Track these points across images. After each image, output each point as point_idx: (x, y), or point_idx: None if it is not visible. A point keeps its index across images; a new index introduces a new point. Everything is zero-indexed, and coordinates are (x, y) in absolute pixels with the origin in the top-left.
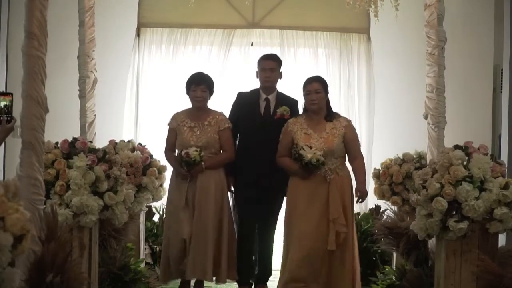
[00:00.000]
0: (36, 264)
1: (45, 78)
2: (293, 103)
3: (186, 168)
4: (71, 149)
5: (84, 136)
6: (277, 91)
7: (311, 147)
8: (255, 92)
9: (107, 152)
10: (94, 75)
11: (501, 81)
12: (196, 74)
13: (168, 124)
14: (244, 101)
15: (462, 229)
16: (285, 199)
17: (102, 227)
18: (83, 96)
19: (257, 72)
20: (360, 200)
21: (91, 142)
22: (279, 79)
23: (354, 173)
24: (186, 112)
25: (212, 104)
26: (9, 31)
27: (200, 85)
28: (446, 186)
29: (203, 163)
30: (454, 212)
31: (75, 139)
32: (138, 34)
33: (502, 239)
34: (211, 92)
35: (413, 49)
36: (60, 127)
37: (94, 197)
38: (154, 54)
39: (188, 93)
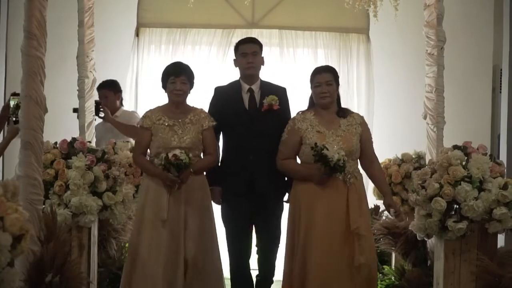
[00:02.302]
0: (35, 264)
1: (44, 78)
2: (280, 91)
3: (176, 172)
4: (70, 149)
5: (83, 136)
6: (261, 79)
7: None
8: (235, 84)
9: (106, 152)
10: (93, 75)
11: (500, 81)
12: (174, 64)
13: (139, 123)
14: (224, 96)
15: (461, 229)
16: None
17: (101, 227)
18: (82, 96)
19: (234, 60)
20: (395, 215)
21: (90, 142)
22: (261, 66)
23: (374, 180)
24: (161, 109)
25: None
26: (9, 31)
27: (179, 76)
28: (445, 186)
29: (191, 166)
30: (453, 212)
31: (74, 139)
32: (137, 34)
33: (501, 239)
34: (191, 84)
35: (412, 49)
36: (59, 127)
37: (93, 197)
38: (153, 54)
39: (164, 86)
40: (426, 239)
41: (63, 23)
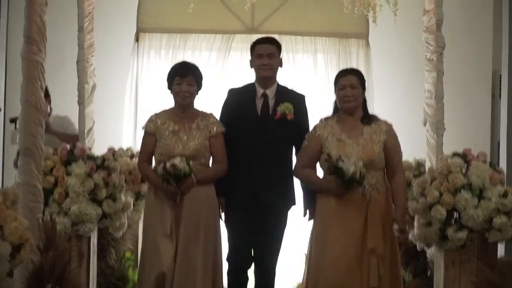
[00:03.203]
0: (34, 273)
1: (44, 83)
2: (298, 98)
3: (175, 183)
4: (70, 156)
5: (83, 143)
6: (278, 83)
7: (349, 158)
8: (249, 88)
9: (106, 159)
10: (93, 80)
11: (500, 87)
12: (181, 64)
13: (144, 128)
14: (237, 99)
15: (461, 238)
16: (291, 217)
17: (100, 236)
18: (82, 102)
19: (251, 61)
20: (398, 232)
21: (90, 149)
22: (279, 68)
23: (393, 191)
24: (167, 113)
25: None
26: (8, 36)
27: (186, 77)
28: (445, 194)
29: (193, 175)
30: (453, 221)
31: (74, 146)
32: (137, 39)
33: (501, 249)
34: (199, 86)
35: (411, 55)
36: None
37: (93, 205)
38: (153, 59)
39: (170, 87)
40: (426, 249)
41: (63, 28)
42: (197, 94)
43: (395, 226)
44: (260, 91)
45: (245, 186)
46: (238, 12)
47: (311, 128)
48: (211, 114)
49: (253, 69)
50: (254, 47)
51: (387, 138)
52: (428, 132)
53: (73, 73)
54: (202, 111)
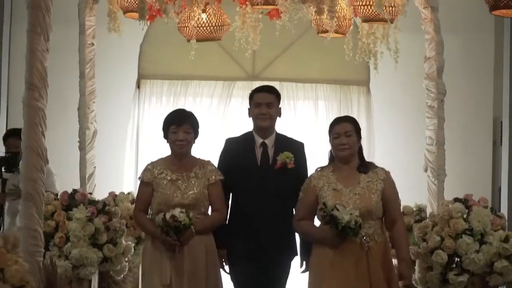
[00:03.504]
0: None
1: (46, 129)
2: (297, 146)
3: (175, 235)
4: (71, 200)
5: (84, 187)
6: (276, 132)
7: (344, 207)
8: (248, 137)
9: (106, 204)
10: (94, 126)
11: (501, 133)
12: (177, 112)
13: (140, 178)
14: (235, 149)
15: (462, 282)
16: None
17: (101, 279)
18: (83, 147)
19: (249, 110)
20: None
21: (90, 193)
22: (278, 118)
23: (393, 242)
24: (163, 161)
25: (211, 158)
26: (10, 81)
27: (182, 125)
28: (446, 239)
29: (193, 227)
30: (454, 265)
31: (75, 190)
32: (138, 86)
33: None
34: (196, 134)
35: (412, 101)
36: (60, 179)
37: (94, 249)
38: (155, 106)
39: (166, 136)
40: None
41: (64, 74)
42: (194, 142)
43: (401, 282)
44: (259, 140)
45: (248, 238)
46: (239, 59)
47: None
48: (209, 162)
49: (239, 112)
50: (252, 95)
51: (385, 186)
52: (429, 178)
53: (74, 119)
54: (199, 159)
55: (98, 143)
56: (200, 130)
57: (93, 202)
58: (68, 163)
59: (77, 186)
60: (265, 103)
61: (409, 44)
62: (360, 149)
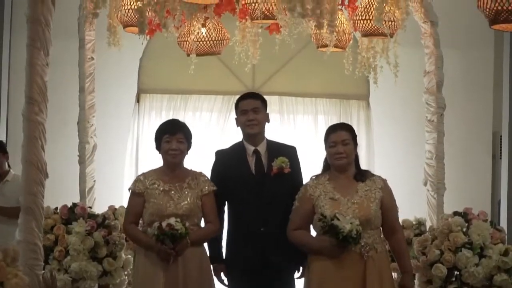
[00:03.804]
0: None
1: (45, 143)
2: (290, 151)
3: (171, 244)
4: (71, 214)
5: (83, 201)
6: (267, 139)
7: (344, 216)
8: (239, 147)
9: (106, 217)
10: (94, 140)
11: (500, 147)
12: (169, 121)
13: (131, 188)
14: (227, 161)
15: None
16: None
17: None
18: (83, 162)
19: (236, 119)
20: None
21: (90, 207)
22: (267, 124)
23: (395, 253)
24: (155, 172)
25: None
26: (10, 95)
27: (175, 134)
28: (445, 253)
29: (188, 237)
30: (454, 279)
31: (74, 204)
32: (138, 100)
33: None
34: (189, 144)
35: (412, 115)
36: (60, 193)
37: (93, 263)
38: (154, 120)
39: (158, 147)
40: None
41: (64, 88)
42: (187, 153)
43: None
44: (250, 148)
45: (249, 250)
46: (239, 74)
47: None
48: (201, 173)
49: (239, 128)
50: (238, 104)
51: (383, 195)
52: (428, 192)
53: (74, 133)
54: (191, 170)
55: (98, 157)
56: (199, 144)
57: (92, 216)
58: (68, 177)
59: (76, 200)
60: (251, 109)
61: (409, 58)
62: (356, 157)
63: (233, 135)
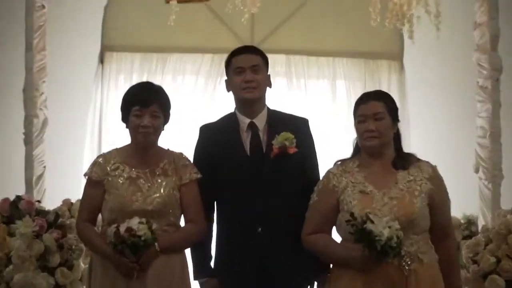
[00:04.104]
0: None
1: None
2: (299, 123)
3: (132, 254)
4: (13, 210)
5: (30, 194)
6: (268, 108)
7: (379, 216)
8: (229, 119)
9: (60, 214)
10: (44, 114)
11: None
12: (141, 87)
13: (87, 174)
14: (214, 138)
15: None
16: None
17: None
18: (30, 141)
19: (226, 81)
20: None
21: (39, 201)
22: (268, 89)
23: (441, 264)
24: (120, 153)
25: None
26: None
27: (148, 106)
28: (503, 260)
29: (157, 243)
30: None
31: (18, 197)
32: (101, 61)
33: None
34: (166, 117)
35: (458, 81)
36: (1, 182)
37: (43, 274)
38: (123, 87)
39: (125, 119)
40: None
41: (5, 45)
42: (163, 128)
43: None
44: (245, 121)
45: (246, 257)
46: (233, 26)
47: (322, 171)
48: (181, 155)
49: (231, 92)
50: (230, 60)
51: (433, 187)
52: (481, 181)
53: (18, 105)
54: (169, 151)
55: (50, 135)
56: (181, 117)
57: (42, 213)
58: (10, 161)
59: (21, 191)
60: (248, 66)
61: (454, 5)
62: (396, 137)
63: (226, 106)
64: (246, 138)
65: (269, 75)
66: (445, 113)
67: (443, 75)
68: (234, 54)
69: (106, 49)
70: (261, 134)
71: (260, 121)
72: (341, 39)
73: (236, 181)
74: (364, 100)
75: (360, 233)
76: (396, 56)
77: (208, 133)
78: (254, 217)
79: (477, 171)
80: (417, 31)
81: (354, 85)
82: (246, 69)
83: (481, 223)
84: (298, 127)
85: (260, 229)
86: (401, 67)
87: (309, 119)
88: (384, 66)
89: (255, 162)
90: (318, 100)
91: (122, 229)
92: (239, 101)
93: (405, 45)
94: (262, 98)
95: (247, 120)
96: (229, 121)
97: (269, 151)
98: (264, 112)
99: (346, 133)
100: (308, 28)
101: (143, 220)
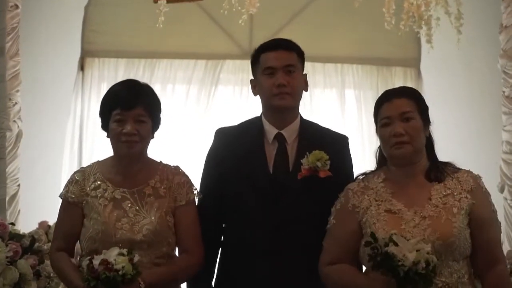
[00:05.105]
0: None
1: None
2: (336, 142)
3: None
4: None
5: (3, 215)
6: (302, 118)
7: (406, 239)
8: (253, 126)
9: (36, 239)
10: (19, 126)
11: None
12: (123, 85)
13: (62, 194)
14: (232, 146)
15: None
16: None
17: None
18: (2, 157)
19: (253, 81)
20: None
21: (13, 224)
22: (303, 92)
23: None
24: (101, 167)
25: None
26: None
27: (131, 109)
28: None
29: (141, 279)
30: None
31: None
32: (82, 67)
33: None
34: (156, 122)
35: (482, 90)
36: None
37: None
38: None
39: (104, 127)
40: None
41: None
42: (152, 136)
43: None
44: (272, 131)
45: None
46: (230, 29)
47: None
48: (177, 169)
49: (258, 96)
50: (258, 57)
51: (475, 202)
52: (506, 201)
53: None
54: (161, 164)
55: (25, 149)
56: (173, 131)
57: (16, 237)
58: None
59: None
60: (282, 66)
61: (477, 6)
62: (429, 142)
63: (220, 117)
64: (271, 151)
65: (306, 74)
66: (466, 126)
67: (465, 83)
68: (264, 49)
69: (87, 55)
70: (289, 148)
71: (290, 133)
72: (350, 43)
73: (252, 205)
74: (388, 97)
75: (380, 258)
76: (412, 62)
77: (225, 139)
78: (265, 249)
79: (502, 190)
80: (435, 34)
81: (365, 95)
82: (279, 70)
83: (506, 248)
84: (335, 146)
85: (269, 262)
86: (418, 74)
87: (348, 137)
88: (399, 73)
89: (277, 182)
90: (325, 111)
91: (96, 261)
92: (268, 108)
93: (422, 50)
94: (296, 106)
95: (275, 131)
96: (252, 127)
97: (296, 171)
98: (297, 122)
99: (356, 148)
100: (313, 30)
101: (124, 251)
